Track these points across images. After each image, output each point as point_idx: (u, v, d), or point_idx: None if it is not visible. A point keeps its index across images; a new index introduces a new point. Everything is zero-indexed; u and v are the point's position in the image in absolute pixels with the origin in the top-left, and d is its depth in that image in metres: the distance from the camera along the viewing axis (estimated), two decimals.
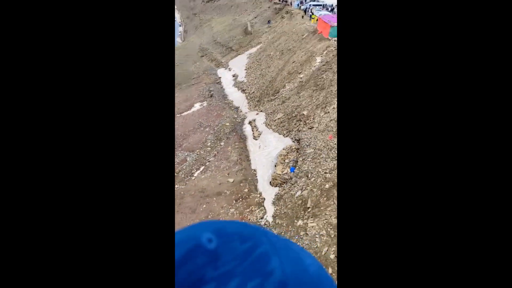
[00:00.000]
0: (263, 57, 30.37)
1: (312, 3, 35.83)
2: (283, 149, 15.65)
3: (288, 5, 40.58)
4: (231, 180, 15.26)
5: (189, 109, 26.90)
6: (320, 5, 34.40)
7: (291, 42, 27.38)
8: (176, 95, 31.86)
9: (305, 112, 17.24)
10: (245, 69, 31.55)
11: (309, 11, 32.23)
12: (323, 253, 8.98)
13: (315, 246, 9.34)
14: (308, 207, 10.93)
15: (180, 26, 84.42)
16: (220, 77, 32.69)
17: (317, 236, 9.60)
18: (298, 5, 38.05)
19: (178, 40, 72.13)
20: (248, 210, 12.85)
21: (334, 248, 8.85)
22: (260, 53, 32.45)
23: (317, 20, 26.36)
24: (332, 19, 23.71)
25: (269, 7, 46.91)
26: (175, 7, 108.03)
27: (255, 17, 48.07)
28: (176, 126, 23.82)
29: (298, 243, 7.59)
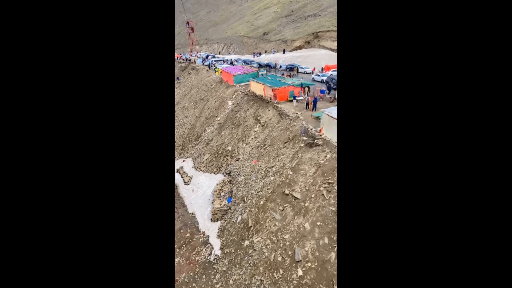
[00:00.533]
0: (179, 109, 31.85)
1: (213, 59, 41.33)
2: (217, 184, 16.41)
3: (192, 62, 45.10)
4: None
5: None
6: (221, 60, 40.09)
7: (202, 92, 30.25)
8: None
9: (229, 148, 18.96)
10: None
11: (213, 65, 36.94)
12: (272, 259, 9.80)
13: (264, 257, 10.08)
14: (250, 226, 11.78)
15: None
16: None
17: (263, 247, 10.43)
18: (202, 61, 42.97)
19: None
20: (194, 252, 12.48)
21: (279, 251, 9.85)
22: (175, 107, 33.86)
23: (220, 72, 30.54)
24: (234, 69, 28.19)
25: (175, 67, 50.54)
26: None
27: None
28: None
29: (248, 261, 8.35)
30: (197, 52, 54.60)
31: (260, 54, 43.63)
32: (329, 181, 10.36)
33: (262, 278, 9.59)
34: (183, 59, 51.84)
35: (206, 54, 50.63)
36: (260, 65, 32.37)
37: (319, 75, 23.25)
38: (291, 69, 28.51)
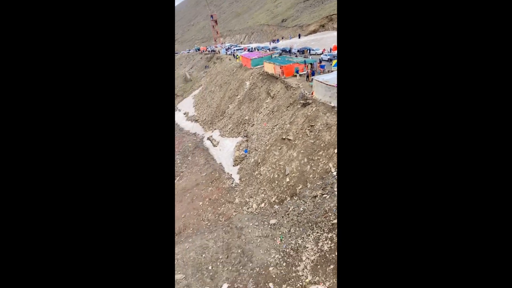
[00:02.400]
0: (207, 93, 37.70)
1: (235, 48, 46.47)
2: (237, 143, 21.70)
3: (216, 53, 50.71)
4: (203, 174, 20.27)
5: None
6: (242, 48, 45.05)
7: (226, 77, 35.62)
8: None
9: (247, 117, 24.06)
10: (194, 106, 38.15)
11: (234, 53, 42.08)
12: (271, 177, 14.76)
13: (266, 177, 15.07)
14: (259, 162, 16.84)
15: None
16: None
17: (266, 172, 15.42)
18: (225, 51, 48.37)
19: None
20: (220, 182, 17.98)
21: (276, 172, 14.75)
22: (203, 92, 39.85)
23: (240, 58, 35.52)
24: (251, 55, 32.96)
25: (201, 58, 56.74)
26: None
27: (191, 68, 57.07)
28: None
29: (258, 185, 13.81)
30: (221, 43, 60.22)
31: (278, 40, 47.56)
32: (311, 124, 14.87)
33: (264, 188, 14.66)
34: (208, 51, 57.85)
35: (229, 45, 55.95)
36: (271, 50, 36.59)
37: (326, 55, 27.01)
38: (303, 51, 32.31)
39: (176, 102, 44.26)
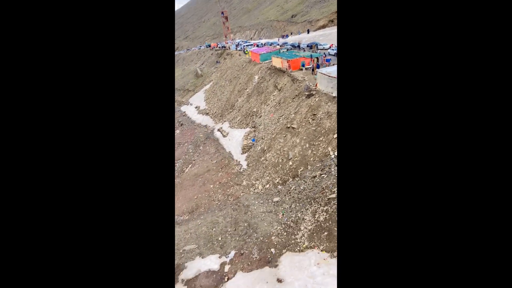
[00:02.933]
0: (217, 88, 39.27)
1: (245, 44, 47.81)
2: (245, 133, 23.14)
3: (227, 49, 52.17)
4: (214, 161, 21.87)
5: None
6: (251, 44, 46.31)
7: (235, 72, 37.03)
8: None
9: (255, 109, 25.42)
10: (204, 100, 39.83)
11: (244, 49, 43.39)
12: (275, 162, 16.10)
13: (271, 162, 16.43)
14: (265, 150, 18.22)
15: None
16: (184, 111, 40.23)
17: (271, 157, 16.78)
18: (235, 47, 49.74)
19: None
20: (229, 168, 19.50)
21: (280, 157, 16.07)
22: (213, 86, 41.45)
23: (250, 53, 36.79)
24: (260, 50, 34.18)
25: (212, 54, 58.37)
26: None
27: (202, 63, 58.85)
28: None
29: (264, 170, 15.27)
30: (232, 40, 61.62)
31: (287, 36, 48.44)
32: (314, 113, 16.07)
33: (269, 172, 16.04)
34: (219, 47, 59.39)
35: (239, 41, 57.28)
36: (280, 45, 37.65)
37: (333, 49, 27.95)
38: (311, 46, 33.21)
39: (187, 97, 46.15)
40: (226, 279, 10.83)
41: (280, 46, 37.20)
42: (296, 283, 9.19)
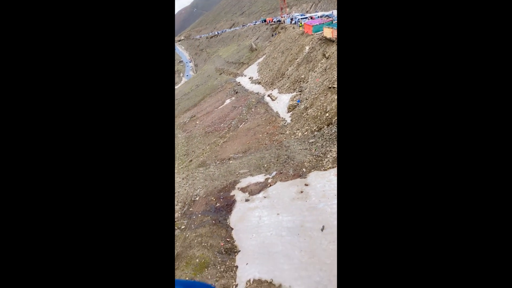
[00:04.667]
0: (270, 59, 42.97)
1: (300, 17, 49.56)
2: (292, 96, 26.86)
3: (282, 23, 54.54)
4: (263, 119, 26.41)
5: (222, 104, 39.13)
6: (306, 17, 47.87)
7: (288, 44, 39.96)
8: (209, 100, 44.61)
9: (302, 76, 28.67)
10: (257, 71, 44.15)
11: (298, 22, 45.47)
12: (314, 114, 19.66)
13: (311, 115, 20.04)
14: (307, 107, 21.81)
15: (190, 62, 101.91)
16: (239, 82, 45.44)
17: (312, 112, 20.35)
18: (289, 21, 51.86)
19: (191, 73, 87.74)
20: (276, 123, 23.83)
21: (319, 110, 19.54)
22: (266, 59, 45.24)
23: (303, 25, 39.04)
24: (313, 22, 36.21)
25: (267, 29, 61.44)
26: (183, 47, 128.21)
27: (257, 38, 62.59)
28: (217, 114, 35.74)
29: (304, 122, 19.63)
30: (288, 14, 63.22)
31: None
32: None
33: (309, 123, 19.77)
34: (274, 21, 61.92)
35: (295, 15, 58.78)
36: (334, 18, 38.62)
37: None
38: None
39: (242, 69, 51.09)
40: (269, 186, 15.52)
41: (333, 18, 38.33)
42: (317, 185, 13.27)
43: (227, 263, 11.77)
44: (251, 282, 10.29)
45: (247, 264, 11.19)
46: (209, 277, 11.47)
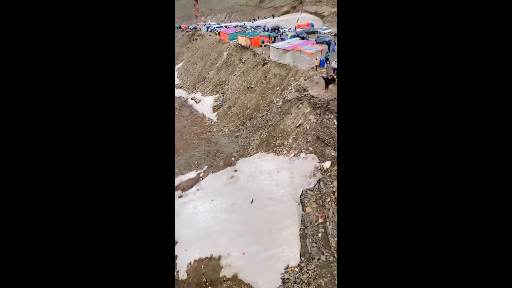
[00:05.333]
0: (189, 65, 43.38)
1: (216, 25, 52.06)
2: (215, 98, 28.31)
3: (198, 30, 55.72)
4: (189, 120, 26.83)
5: None
6: (221, 26, 50.73)
7: (206, 50, 41.46)
8: None
9: (223, 79, 30.58)
10: (177, 77, 43.82)
11: (214, 30, 47.72)
12: (242, 111, 21.65)
13: (238, 112, 21.94)
14: (231, 106, 23.65)
15: None
16: None
17: (235, 110, 22.29)
18: (206, 29, 53.59)
19: None
20: (202, 123, 24.75)
21: None
22: (186, 64, 45.44)
23: (219, 33, 41.41)
24: (228, 30, 38.98)
25: (183, 35, 61.36)
26: None
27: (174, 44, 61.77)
28: None
29: (229, 119, 21.15)
30: (203, 22, 64.83)
31: (255, 20, 53.44)
32: (266, 75, 21.75)
33: (234, 120, 21.56)
34: (189, 29, 62.42)
35: (211, 23, 60.98)
36: (254, 28, 42.77)
37: (290, 31, 33.95)
38: (274, 29, 38.85)
39: None
40: (201, 179, 16.34)
41: (254, 28, 42.25)
42: (245, 169, 15.03)
43: None
44: (192, 263, 10.93)
45: (186, 250, 11.74)
46: None
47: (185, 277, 10.60)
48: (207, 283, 9.94)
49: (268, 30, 39.38)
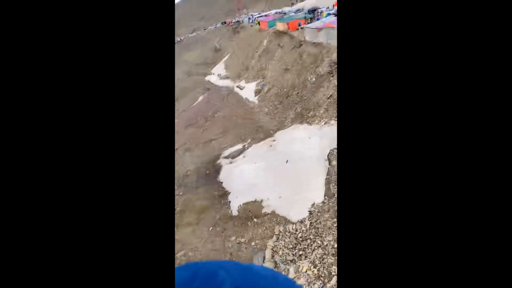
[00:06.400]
0: (234, 56, 47.24)
1: (256, 15, 54.63)
2: (257, 83, 31.25)
3: (241, 22, 59.16)
4: (234, 105, 30.48)
5: (195, 102, 42.64)
6: (261, 15, 53.04)
7: (248, 40, 44.54)
8: (182, 101, 47.74)
9: (264, 65, 33.24)
10: (224, 68, 48.22)
11: (255, 20, 50.39)
12: (279, 91, 24.18)
13: (275, 92, 24.52)
14: (270, 88, 26.27)
15: None
16: (209, 80, 49.17)
17: (273, 91, 24.86)
18: (247, 20, 56.66)
19: None
20: (247, 106, 28.04)
21: None
22: (231, 56, 49.49)
23: (259, 23, 43.91)
24: (268, 18, 41.16)
25: (227, 30, 65.73)
26: None
27: (220, 39, 66.61)
28: (193, 111, 39.13)
29: (267, 101, 25.01)
30: (245, 14, 68.02)
31: (293, 4, 54.11)
32: (300, 54, 23.58)
33: (272, 100, 24.21)
34: (233, 22, 66.40)
35: (252, 14, 63.80)
36: (295, 12, 44.02)
37: (329, 10, 34.39)
38: (312, 11, 39.47)
39: (210, 69, 54.82)
40: (246, 149, 19.60)
41: (294, 13, 43.66)
42: (282, 139, 17.65)
43: (222, 201, 15.65)
44: (241, 205, 14.35)
45: (236, 197, 15.20)
46: (208, 218, 15.21)
47: (236, 214, 14.09)
48: (253, 216, 13.21)
49: (306, 12, 40.10)
